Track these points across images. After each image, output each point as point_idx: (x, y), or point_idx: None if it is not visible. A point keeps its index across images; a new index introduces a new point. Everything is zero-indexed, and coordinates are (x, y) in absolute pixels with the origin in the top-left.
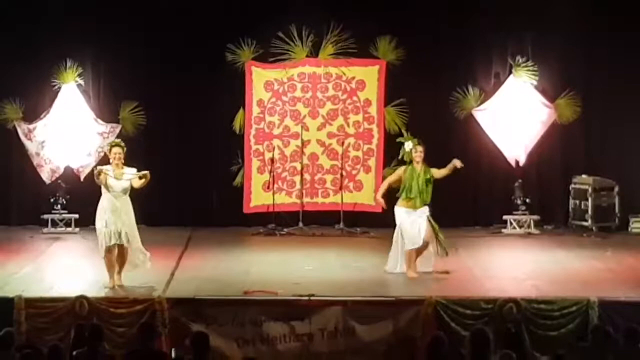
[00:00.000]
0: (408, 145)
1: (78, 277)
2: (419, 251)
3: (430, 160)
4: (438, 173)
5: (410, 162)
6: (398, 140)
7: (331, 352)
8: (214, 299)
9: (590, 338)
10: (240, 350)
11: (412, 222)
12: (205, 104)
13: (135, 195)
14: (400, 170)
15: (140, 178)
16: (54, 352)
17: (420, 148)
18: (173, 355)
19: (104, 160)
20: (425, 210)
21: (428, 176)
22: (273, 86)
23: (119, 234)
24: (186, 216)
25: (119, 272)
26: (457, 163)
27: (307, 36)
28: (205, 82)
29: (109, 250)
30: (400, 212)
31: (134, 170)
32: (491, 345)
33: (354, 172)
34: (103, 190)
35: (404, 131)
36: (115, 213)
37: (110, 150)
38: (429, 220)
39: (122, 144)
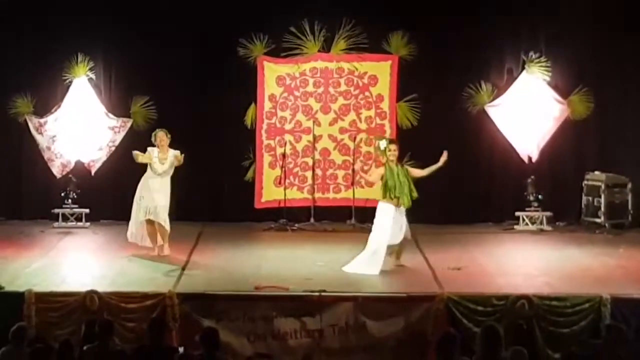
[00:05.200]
0: (382, 143)
1: (88, 272)
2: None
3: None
4: (418, 172)
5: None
6: (374, 138)
7: (342, 348)
8: (224, 294)
9: (604, 335)
10: (251, 346)
11: (395, 219)
12: (217, 98)
13: None
14: (381, 170)
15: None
16: (65, 347)
17: (393, 147)
18: (181, 351)
19: (115, 155)
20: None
21: (406, 174)
22: (285, 81)
23: (151, 211)
24: (197, 211)
25: (163, 243)
26: (444, 156)
27: (320, 31)
28: (216, 76)
29: (146, 222)
30: (387, 207)
31: (177, 152)
32: (502, 342)
33: (365, 167)
34: (147, 168)
35: (380, 135)
36: (151, 191)
37: (155, 136)
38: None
39: (166, 131)
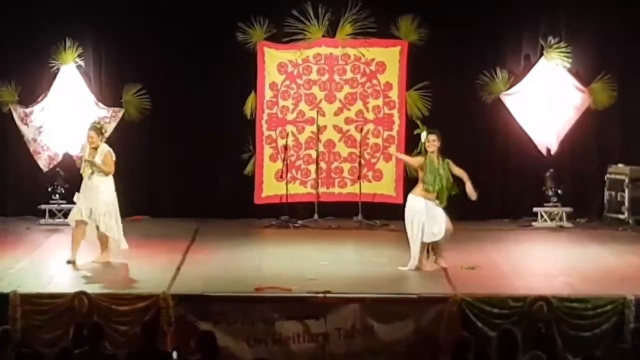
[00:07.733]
0: (423, 135)
1: (77, 272)
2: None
3: (456, 148)
4: (458, 171)
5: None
6: (415, 132)
7: (348, 353)
8: (222, 295)
9: (630, 339)
10: (250, 351)
11: (431, 212)
12: (214, 87)
13: (139, 184)
14: (422, 158)
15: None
16: (63, 355)
17: (432, 137)
18: (176, 356)
19: None
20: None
21: (447, 169)
22: (287, 68)
23: (85, 212)
24: (193, 207)
25: (103, 250)
26: (473, 195)
27: (324, 15)
28: (214, 63)
29: (75, 225)
30: (419, 201)
31: (109, 151)
32: (520, 346)
33: (373, 160)
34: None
35: (419, 122)
36: (85, 192)
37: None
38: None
39: (99, 126)
